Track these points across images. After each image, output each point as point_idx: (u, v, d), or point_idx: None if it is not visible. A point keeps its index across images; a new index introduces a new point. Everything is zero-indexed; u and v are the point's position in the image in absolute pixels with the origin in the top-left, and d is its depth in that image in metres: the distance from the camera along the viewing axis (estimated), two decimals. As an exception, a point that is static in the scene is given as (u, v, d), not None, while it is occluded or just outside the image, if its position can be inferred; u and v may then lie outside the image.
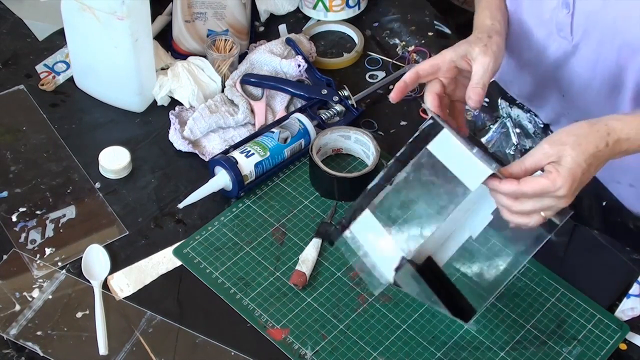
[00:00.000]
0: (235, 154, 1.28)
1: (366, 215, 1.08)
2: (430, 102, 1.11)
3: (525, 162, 1.00)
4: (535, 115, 1.41)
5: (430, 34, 1.59)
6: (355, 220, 1.08)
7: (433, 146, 1.04)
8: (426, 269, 1.09)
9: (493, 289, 1.09)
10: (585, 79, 1.23)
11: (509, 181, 0.98)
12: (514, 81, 1.39)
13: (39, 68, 1.48)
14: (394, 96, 1.11)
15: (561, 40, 1.21)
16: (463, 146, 1.01)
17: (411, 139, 1.08)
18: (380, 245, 1.06)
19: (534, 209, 1.00)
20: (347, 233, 1.09)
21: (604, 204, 1.31)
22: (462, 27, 1.76)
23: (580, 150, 0.98)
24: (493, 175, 0.98)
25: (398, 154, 1.08)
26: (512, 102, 1.41)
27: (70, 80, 1.47)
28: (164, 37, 1.53)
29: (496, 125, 1.40)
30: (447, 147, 1.03)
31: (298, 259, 1.21)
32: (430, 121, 1.07)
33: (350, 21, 1.60)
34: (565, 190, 0.97)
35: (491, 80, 1.14)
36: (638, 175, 1.26)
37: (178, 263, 1.21)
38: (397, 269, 1.04)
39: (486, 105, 1.43)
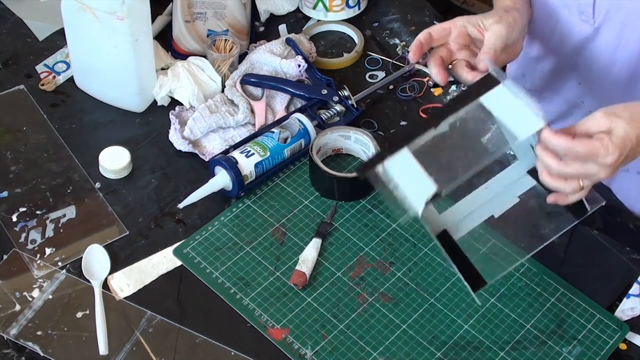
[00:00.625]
0: (235, 154, 1.28)
1: (404, 154, 1.06)
2: (433, 64, 1.11)
3: (576, 127, 0.99)
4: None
5: (430, 34, 1.59)
6: (392, 157, 1.06)
7: (486, 99, 1.03)
8: (442, 239, 1.08)
9: (508, 263, 1.10)
10: (604, 64, 1.22)
11: (563, 135, 0.97)
12: (527, 74, 1.39)
13: (39, 68, 1.48)
14: (412, 56, 1.12)
15: (583, 23, 1.20)
16: (519, 99, 1.00)
17: (464, 89, 1.07)
18: (414, 177, 1.04)
19: (575, 173, 0.99)
20: (379, 168, 1.07)
21: (603, 203, 1.31)
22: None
23: (634, 126, 0.97)
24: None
25: (448, 101, 1.08)
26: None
27: (70, 80, 1.47)
28: (164, 37, 1.53)
29: (496, 125, 1.40)
30: (500, 100, 1.02)
31: (298, 259, 1.21)
32: (481, 76, 1.07)
33: (350, 21, 1.60)
34: (612, 159, 0.96)
35: (503, 64, 1.14)
36: None
37: (178, 263, 1.21)
38: (428, 203, 1.02)
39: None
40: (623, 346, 1.15)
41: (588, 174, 0.98)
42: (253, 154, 1.28)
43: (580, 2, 1.19)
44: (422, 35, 1.12)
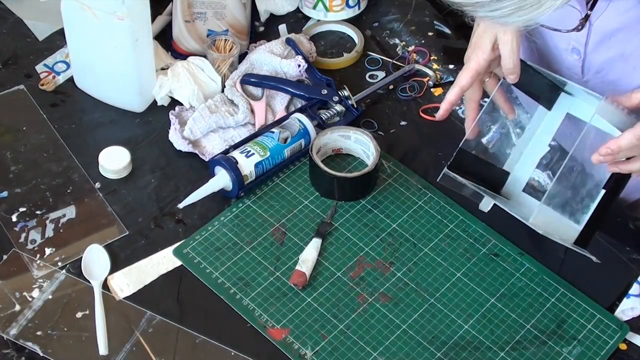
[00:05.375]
0: (235, 154, 1.28)
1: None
2: (470, 117, 1.19)
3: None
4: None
5: (430, 34, 1.59)
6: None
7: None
8: None
9: None
10: None
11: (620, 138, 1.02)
12: None
13: (39, 68, 1.48)
14: (440, 116, 1.18)
15: (571, 74, 1.20)
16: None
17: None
18: None
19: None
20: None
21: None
22: (462, 27, 1.75)
23: None
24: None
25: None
26: (512, 101, 1.41)
27: (70, 80, 1.47)
28: (164, 37, 1.53)
29: (496, 125, 1.40)
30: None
31: (298, 259, 1.21)
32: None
33: (350, 21, 1.60)
34: None
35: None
36: None
37: (178, 263, 1.21)
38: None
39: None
40: (623, 346, 1.15)
41: None
42: (253, 154, 1.28)
43: (569, 62, 1.18)
44: (453, 95, 1.16)
